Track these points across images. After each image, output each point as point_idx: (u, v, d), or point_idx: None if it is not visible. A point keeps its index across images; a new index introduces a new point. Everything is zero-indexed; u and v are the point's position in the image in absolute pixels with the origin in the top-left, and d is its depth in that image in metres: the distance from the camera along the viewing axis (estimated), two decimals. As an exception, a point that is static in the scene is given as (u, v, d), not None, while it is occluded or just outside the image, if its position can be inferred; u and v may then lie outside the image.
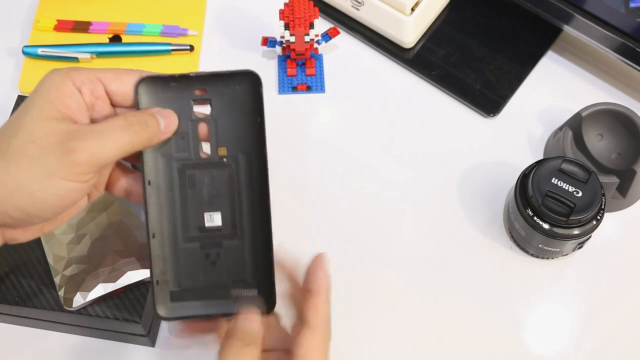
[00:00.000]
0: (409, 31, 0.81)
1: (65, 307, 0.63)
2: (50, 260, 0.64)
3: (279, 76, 0.82)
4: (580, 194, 0.66)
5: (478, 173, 0.77)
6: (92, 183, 0.46)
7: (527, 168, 0.69)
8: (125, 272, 0.64)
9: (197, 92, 0.50)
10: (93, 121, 0.48)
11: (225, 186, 0.50)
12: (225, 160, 0.50)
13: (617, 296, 0.71)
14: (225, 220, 0.50)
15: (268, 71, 0.82)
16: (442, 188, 0.76)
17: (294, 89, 0.81)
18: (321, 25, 0.78)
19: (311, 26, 0.76)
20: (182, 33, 0.83)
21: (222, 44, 0.84)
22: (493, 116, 0.79)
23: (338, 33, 0.80)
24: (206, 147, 0.50)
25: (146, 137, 0.47)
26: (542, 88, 0.81)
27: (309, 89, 0.81)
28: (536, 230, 0.67)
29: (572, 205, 0.65)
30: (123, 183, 0.51)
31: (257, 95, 0.49)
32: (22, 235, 0.48)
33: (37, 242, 0.66)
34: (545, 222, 0.66)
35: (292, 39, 0.77)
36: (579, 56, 0.83)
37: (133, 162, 0.51)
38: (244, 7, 0.86)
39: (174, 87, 0.49)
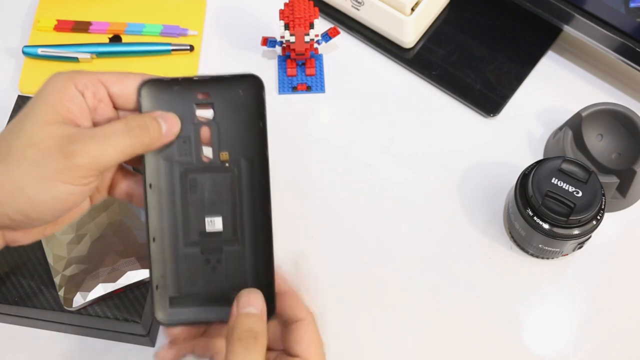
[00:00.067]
0: (409, 31, 0.81)
1: (65, 307, 0.63)
2: (50, 260, 0.64)
3: (279, 76, 0.82)
4: (580, 194, 0.66)
5: (478, 173, 0.77)
6: (93, 186, 0.46)
7: (527, 168, 0.69)
8: (125, 272, 0.64)
9: (200, 96, 0.50)
10: (95, 124, 0.48)
11: (226, 191, 0.50)
12: (227, 164, 0.50)
13: (617, 296, 0.71)
14: (226, 225, 0.50)
15: (268, 71, 0.82)
16: (442, 188, 0.76)
17: (294, 89, 0.81)
18: (321, 25, 0.78)
19: (311, 26, 0.76)
20: (182, 33, 0.83)
21: (222, 44, 0.84)
22: (493, 116, 0.79)
23: (338, 33, 0.80)
24: (208, 151, 0.50)
25: (147, 141, 0.47)
26: (542, 88, 0.81)
27: (309, 89, 0.81)
28: (536, 230, 0.67)
29: (572, 205, 0.65)
30: (124, 186, 0.51)
31: (259, 100, 0.49)
32: (23, 238, 0.48)
33: (37, 242, 0.65)
34: (545, 222, 0.66)
35: (292, 39, 0.77)
36: (579, 56, 0.83)
37: (134, 166, 0.50)
38: (244, 7, 0.86)
39: (177, 91, 0.49)
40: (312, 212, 0.75)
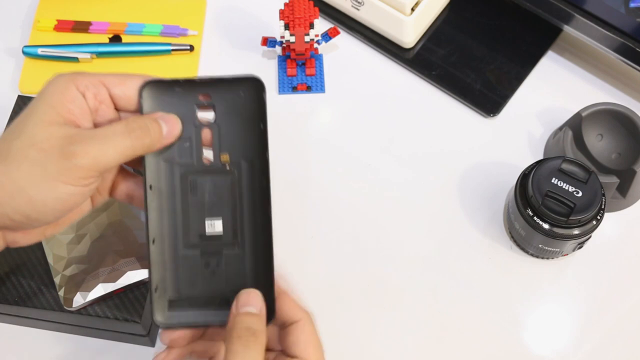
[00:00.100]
0: (409, 31, 0.81)
1: (65, 307, 0.63)
2: (50, 260, 0.64)
3: (279, 76, 0.82)
4: (580, 194, 0.66)
5: (478, 173, 0.77)
6: (93, 187, 0.46)
7: (527, 168, 0.69)
8: (125, 272, 0.64)
9: (201, 98, 0.50)
10: (96, 125, 0.48)
11: (227, 193, 0.50)
12: (227, 166, 0.50)
13: (617, 296, 0.71)
14: (226, 227, 0.50)
15: (268, 71, 0.82)
16: (442, 188, 0.76)
17: (294, 89, 0.81)
18: (321, 25, 0.78)
19: (311, 26, 0.76)
20: (182, 33, 0.83)
21: (222, 44, 0.84)
22: (493, 116, 0.79)
23: (338, 33, 0.80)
24: (208, 153, 0.50)
25: (147, 142, 0.47)
26: (542, 88, 0.81)
27: (309, 89, 0.81)
28: (536, 230, 0.67)
29: (572, 205, 0.65)
30: (125, 187, 0.51)
31: (260, 102, 0.49)
32: (23, 239, 0.48)
33: (37, 242, 0.65)
34: (545, 222, 0.66)
35: (292, 39, 0.77)
36: (579, 56, 0.83)
37: (135, 167, 0.50)
38: (244, 7, 0.86)
39: (178, 92, 0.49)
40: (312, 212, 0.75)
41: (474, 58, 0.82)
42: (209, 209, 0.50)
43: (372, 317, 0.70)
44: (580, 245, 0.69)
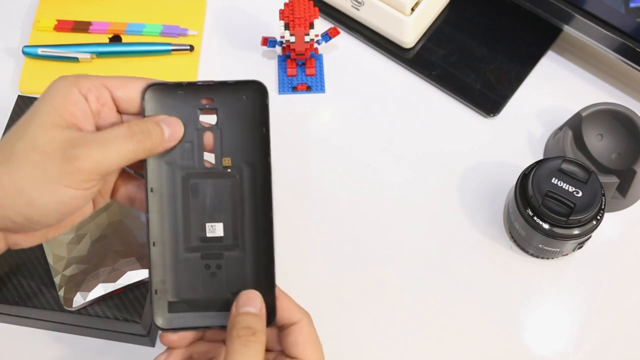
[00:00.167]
0: (409, 31, 0.81)
1: (65, 307, 0.63)
2: (50, 260, 0.64)
3: (279, 76, 0.82)
4: (580, 194, 0.66)
5: (478, 173, 0.77)
6: (95, 190, 0.46)
7: (527, 168, 0.69)
8: (125, 272, 0.64)
9: (204, 101, 0.50)
10: (99, 128, 0.48)
11: (228, 197, 0.50)
12: (229, 170, 0.50)
13: (617, 296, 0.71)
14: (227, 231, 0.50)
15: (268, 71, 0.82)
16: (442, 188, 0.76)
17: (294, 89, 0.81)
18: (321, 25, 0.78)
19: (311, 26, 0.76)
20: (182, 33, 0.83)
21: (222, 44, 0.84)
22: (493, 116, 0.79)
23: (338, 33, 0.80)
24: (210, 157, 0.50)
25: (149, 146, 0.47)
26: (542, 88, 0.81)
27: (309, 89, 0.81)
28: (536, 230, 0.67)
29: (572, 205, 0.65)
30: (126, 190, 0.51)
31: (263, 106, 0.49)
32: (25, 241, 0.48)
33: (38, 243, 0.66)
34: (545, 222, 0.66)
35: (292, 39, 0.77)
36: (579, 56, 0.83)
37: (137, 170, 0.51)
38: (244, 7, 0.86)
39: (181, 95, 0.49)
40: (312, 212, 0.75)
41: (474, 58, 0.82)
42: (210, 212, 0.50)
43: (372, 317, 0.70)
44: (580, 245, 0.69)
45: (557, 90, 0.81)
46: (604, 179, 0.69)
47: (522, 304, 0.71)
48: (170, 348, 0.50)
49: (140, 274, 0.64)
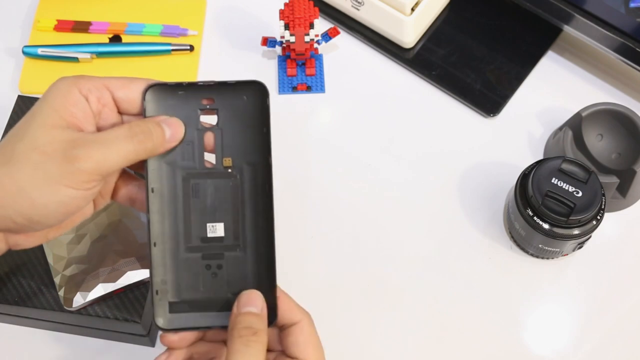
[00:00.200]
0: (409, 31, 0.81)
1: (65, 307, 0.63)
2: (50, 260, 0.64)
3: (279, 76, 0.82)
4: (580, 194, 0.66)
5: (478, 173, 0.77)
6: (95, 191, 0.46)
7: (527, 168, 0.69)
8: (125, 272, 0.64)
9: (205, 102, 0.50)
10: (99, 129, 0.48)
11: (229, 197, 0.50)
12: (230, 170, 0.50)
13: (617, 296, 0.71)
14: (228, 231, 0.50)
15: (268, 71, 0.82)
16: (442, 188, 0.76)
17: (294, 89, 0.81)
18: (321, 25, 0.78)
19: (311, 26, 0.76)
20: (182, 33, 0.83)
21: (222, 44, 0.84)
22: (493, 116, 0.79)
23: (338, 33, 0.80)
24: (211, 157, 0.50)
25: (150, 147, 0.47)
26: (542, 88, 0.81)
27: (309, 89, 0.81)
28: (536, 230, 0.67)
29: (572, 205, 0.65)
30: (127, 190, 0.51)
31: (264, 106, 0.49)
32: (26, 241, 0.48)
33: (38, 243, 0.66)
34: (545, 222, 0.66)
35: (292, 39, 0.77)
36: (579, 56, 0.83)
37: (137, 170, 0.51)
38: (244, 7, 0.86)
39: (182, 96, 0.49)
40: (312, 212, 0.75)
41: (474, 58, 0.82)
42: (210, 212, 0.50)
43: (372, 317, 0.70)
44: (580, 245, 0.69)
45: (557, 90, 0.81)
46: (604, 179, 0.69)
47: (522, 304, 0.71)
48: (170, 348, 0.50)
49: (140, 274, 0.64)
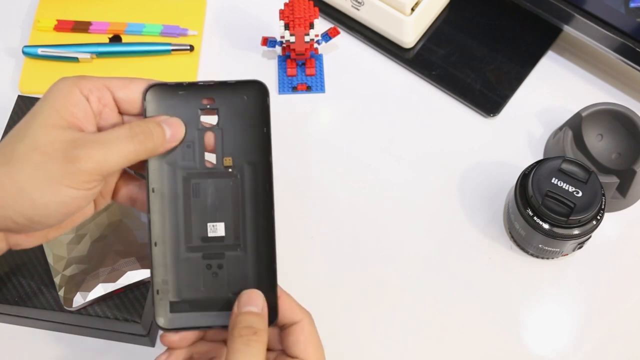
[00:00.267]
0: (409, 31, 0.81)
1: (65, 307, 0.63)
2: (50, 260, 0.64)
3: (279, 76, 0.82)
4: (580, 194, 0.66)
5: (478, 173, 0.77)
6: (96, 191, 0.47)
7: (527, 168, 0.69)
8: (125, 272, 0.64)
9: (205, 101, 0.50)
10: (100, 129, 0.48)
11: (229, 196, 0.50)
12: (230, 170, 0.50)
13: (617, 296, 0.71)
14: (228, 230, 0.50)
15: (268, 71, 0.82)
16: (442, 188, 0.76)
17: (294, 89, 0.81)
18: (321, 25, 0.78)
19: (311, 26, 0.76)
20: (182, 33, 0.83)
21: (222, 44, 0.84)
22: (493, 116, 0.79)
23: (338, 33, 0.80)
24: (211, 157, 0.50)
25: (150, 147, 0.48)
26: (542, 88, 0.81)
27: (309, 89, 0.81)
28: (536, 230, 0.67)
29: (572, 205, 0.65)
30: (128, 190, 0.51)
31: (264, 106, 0.49)
32: (26, 241, 0.48)
33: (38, 243, 0.66)
34: (545, 222, 0.66)
35: (292, 39, 0.77)
36: (579, 56, 0.83)
37: (138, 170, 0.51)
38: (244, 7, 0.86)
39: (182, 96, 0.49)
40: (312, 212, 0.75)
41: (474, 58, 0.82)
42: (211, 212, 0.50)
43: (372, 317, 0.70)
44: (580, 245, 0.69)
45: (557, 90, 0.81)
46: (604, 179, 0.69)
47: (522, 304, 0.71)
48: (170, 348, 0.50)
49: (140, 274, 0.64)
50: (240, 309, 0.48)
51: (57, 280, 0.64)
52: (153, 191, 0.49)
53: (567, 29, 0.77)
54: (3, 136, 0.72)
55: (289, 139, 0.78)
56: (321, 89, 0.81)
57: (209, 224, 0.50)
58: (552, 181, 0.66)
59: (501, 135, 0.79)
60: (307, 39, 0.77)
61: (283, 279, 0.51)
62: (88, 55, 0.81)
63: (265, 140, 0.50)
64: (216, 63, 0.83)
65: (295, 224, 0.74)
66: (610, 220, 0.73)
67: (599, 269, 0.72)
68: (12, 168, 0.44)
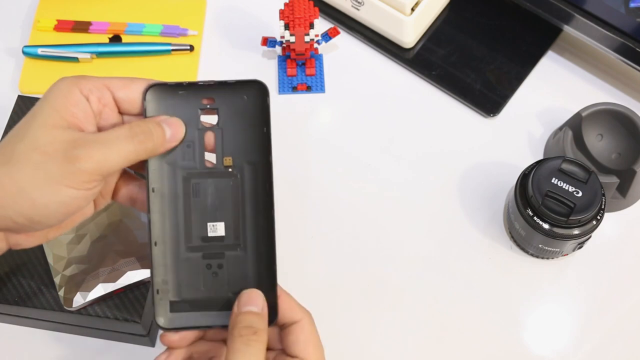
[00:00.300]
0: (409, 31, 0.81)
1: (65, 307, 0.63)
2: (50, 260, 0.64)
3: (279, 76, 0.82)
4: (580, 194, 0.66)
5: (478, 173, 0.77)
6: (96, 191, 0.47)
7: (527, 168, 0.69)
8: (125, 272, 0.64)
9: (205, 101, 0.50)
10: (100, 129, 0.48)
11: (229, 196, 0.50)
12: (230, 170, 0.50)
13: (617, 296, 0.71)
14: (228, 230, 0.50)
15: (268, 71, 0.82)
16: (442, 188, 0.76)
17: (294, 89, 0.81)
18: (321, 25, 0.78)
19: (311, 26, 0.76)
20: (182, 33, 0.83)
21: (222, 44, 0.84)
22: (493, 116, 0.79)
23: (338, 33, 0.80)
24: (211, 156, 0.50)
25: (150, 147, 0.48)
26: (542, 88, 0.81)
27: (309, 89, 0.81)
28: (536, 230, 0.67)
29: (572, 205, 0.65)
30: (128, 190, 0.51)
31: (264, 106, 0.49)
32: (26, 241, 0.48)
33: (38, 243, 0.66)
34: (545, 222, 0.66)
35: (292, 39, 0.77)
36: (579, 56, 0.83)
37: (138, 170, 0.51)
38: (244, 7, 0.86)
39: (182, 95, 0.49)
40: (312, 212, 0.75)
41: (474, 58, 0.82)
42: (211, 211, 0.50)
43: (372, 317, 0.70)
44: (580, 245, 0.69)
45: (557, 90, 0.81)
46: (604, 179, 0.69)
47: (522, 304, 0.71)
48: (170, 347, 0.50)
49: (140, 274, 0.64)
50: (240, 309, 0.48)
51: (57, 280, 0.64)
52: (153, 191, 0.49)
53: (567, 29, 0.77)
54: (3, 136, 0.72)
55: (289, 139, 0.78)
56: (321, 89, 0.81)
57: (209, 224, 0.50)
58: (552, 181, 0.66)
59: (501, 135, 0.79)
60: (307, 39, 0.77)
61: (283, 279, 0.51)
62: (88, 55, 0.81)
63: (265, 140, 0.50)
64: (216, 63, 0.83)
65: (295, 224, 0.74)
66: (610, 220, 0.73)
67: (599, 269, 0.72)
68: (12, 168, 0.44)
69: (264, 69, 0.82)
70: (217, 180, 0.50)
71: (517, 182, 0.69)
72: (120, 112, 0.49)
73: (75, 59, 0.81)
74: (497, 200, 0.75)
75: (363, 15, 0.83)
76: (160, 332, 0.50)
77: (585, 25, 0.75)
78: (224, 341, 0.51)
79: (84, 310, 0.64)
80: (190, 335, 0.51)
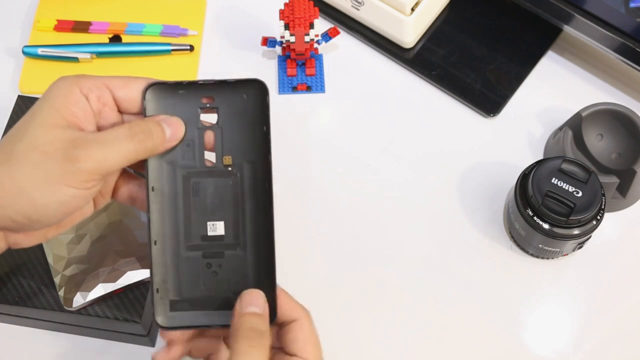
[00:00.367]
0: (409, 31, 0.81)
1: (65, 307, 0.63)
2: (50, 260, 0.64)
3: (279, 76, 0.82)
4: (580, 194, 0.66)
5: (478, 173, 0.77)
6: (95, 190, 0.47)
7: (527, 168, 0.69)
8: (125, 272, 0.64)
9: (205, 100, 0.50)
10: (100, 128, 0.48)
11: (229, 195, 0.50)
12: (230, 169, 0.50)
13: (617, 296, 0.71)
14: (228, 229, 0.50)
15: (268, 71, 0.82)
16: (442, 188, 0.76)
17: (294, 89, 0.81)
18: (321, 25, 0.78)
19: (311, 26, 0.76)
20: (182, 33, 0.83)
21: (222, 44, 0.84)
22: (493, 116, 0.79)
23: (338, 33, 0.80)
24: (211, 156, 0.50)
25: (150, 146, 0.48)
26: (542, 88, 0.81)
27: (309, 89, 0.81)
28: (536, 230, 0.67)
29: (572, 205, 0.65)
30: (127, 190, 0.51)
31: (264, 105, 0.49)
32: (25, 240, 0.48)
33: (38, 243, 0.66)
34: (545, 222, 0.66)
35: (292, 39, 0.77)
36: (579, 56, 0.83)
37: (137, 169, 0.51)
38: (244, 7, 0.86)
39: (182, 95, 0.49)
40: (312, 212, 0.75)
41: (474, 58, 0.82)
42: (211, 211, 0.50)
43: (372, 317, 0.70)
44: (580, 245, 0.69)
45: (557, 90, 0.81)
46: (604, 179, 0.69)
47: (522, 304, 0.71)
48: (170, 343, 0.50)
49: (140, 274, 0.64)
50: (243, 309, 0.48)
51: (57, 280, 0.64)
52: (153, 190, 0.49)
53: (567, 29, 0.77)
54: (3, 136, 0.72)
55: (289, 139, 0.78)
56: (321, 89, 0.81)
57: (208, 223, 0.50)
58: (552, 181, 0.66)
59: (501, 135, 0.79)
60: (307, 39, 0.77)
61: (283, 279, 0.51)
62: (88, 55, 0.81)
63: (265, 139, 0.50)
64: (216, 63, 0.83)
65: (295, 224, 0.74)
66: (610, 220, 0.73)
67: (599, 269, 0.72)
68: (12, 167, 0.44)
69: (264, 69, 0.82)
70: (216, 179, 0.50)
71: (517, 182, 0.69)
72: (120, 111, 0.49)
73: (75, 59, 0.81)
74: (497, 200, 0.75)
75: (363, 15, 0.83)
76: (160, 330, 0.50)
77: (585, 25, 0.75)
78: (222, 338, 0.51)
79: (84, 310, 0.64)
80: (189, 331, 0.51)
